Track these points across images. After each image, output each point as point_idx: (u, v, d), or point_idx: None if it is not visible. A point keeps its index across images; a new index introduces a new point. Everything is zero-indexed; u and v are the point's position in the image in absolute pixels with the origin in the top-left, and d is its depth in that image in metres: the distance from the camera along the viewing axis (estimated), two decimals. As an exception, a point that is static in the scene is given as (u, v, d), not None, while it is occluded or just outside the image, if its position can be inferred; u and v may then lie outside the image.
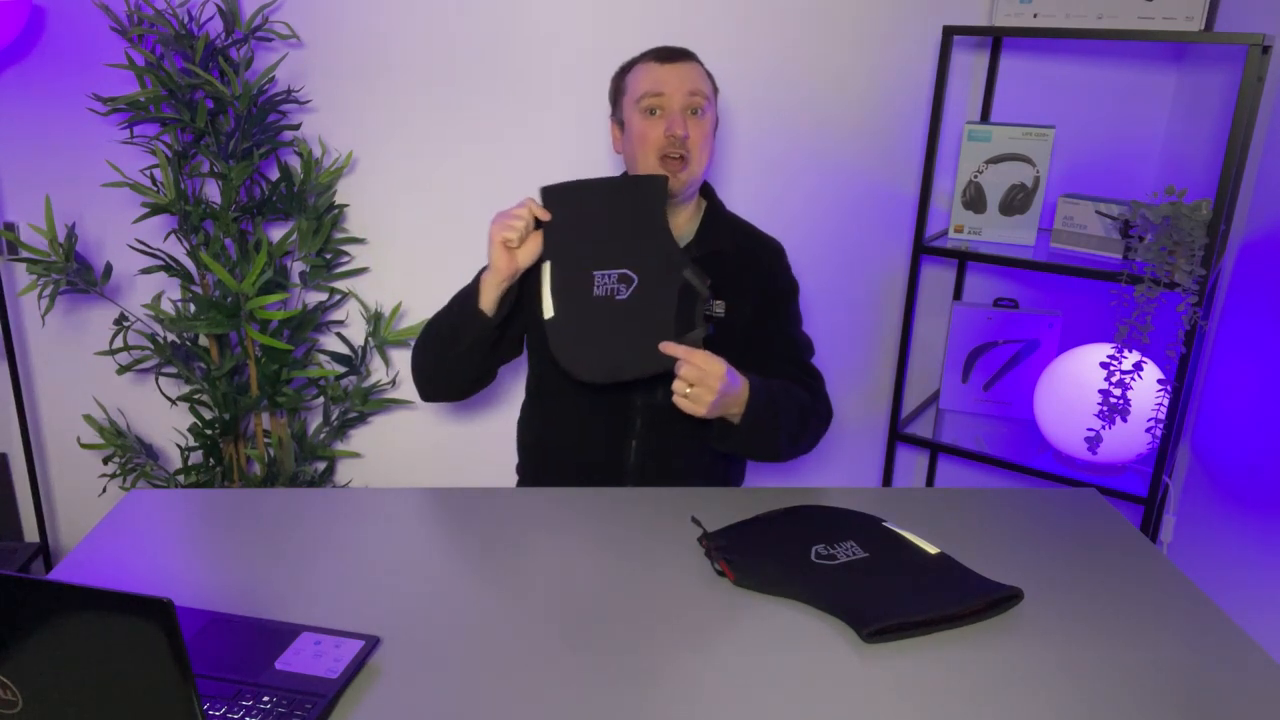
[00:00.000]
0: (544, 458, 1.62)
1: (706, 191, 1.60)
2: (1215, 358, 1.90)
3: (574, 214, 1.38)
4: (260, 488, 2.07)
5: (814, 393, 1.53)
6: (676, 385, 1.32)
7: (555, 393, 1.57)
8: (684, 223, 1.55)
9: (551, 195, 1.38)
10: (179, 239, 2.09)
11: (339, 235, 2.20)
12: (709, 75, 1.52)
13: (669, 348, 1.33)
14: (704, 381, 1.31)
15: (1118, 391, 1.77)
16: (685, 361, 1.31)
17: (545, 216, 1.39)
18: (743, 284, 1.53)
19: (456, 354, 1.47)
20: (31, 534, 2.44)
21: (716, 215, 1.57)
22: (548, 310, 1.39)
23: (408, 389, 2.32)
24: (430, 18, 2.08)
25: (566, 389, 1.54)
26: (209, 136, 1.98)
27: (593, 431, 1.54)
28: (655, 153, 1.45)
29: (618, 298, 1.37)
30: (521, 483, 1.69)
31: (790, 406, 1.45)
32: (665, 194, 1.39)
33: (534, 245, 1.40)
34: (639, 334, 1.37)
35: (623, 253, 1.37)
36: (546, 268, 1.39)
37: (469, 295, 1.46)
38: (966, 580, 1.15)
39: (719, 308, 1.51)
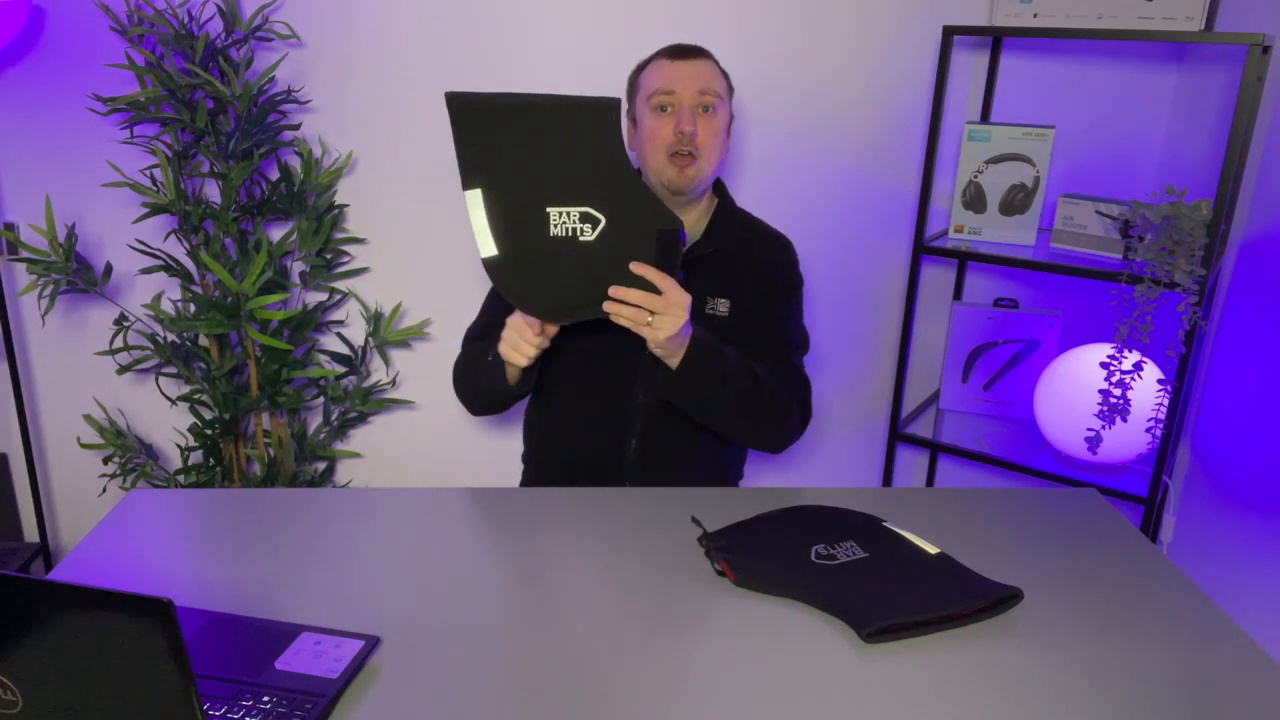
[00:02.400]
0: (546, 455, 1.62)
1: (718, 189, 1.60)
2: (1215, 358, 1.90)
3: (506, 135, 1.21)
4: (260, 488, 2.07)
5: (788, 385, 1.52)
6: (632, 312, 1.28)
7: (556, 391, 1.57)
8: (695, 220, 1.55)
9: (468, 107, 1.20)
10: (179, 239, 2.09)
11: (339, 235, 2.20)
12: (724, 74, 1.53)
13: (640, 268, 1.27)
14: (669, 310, 1.29)
15: (1118, 391, 1.77)
16: (657, 286, 1.28)
17: (551, 333, 1.35)
18: (747, 280, 1.54)
19: (496, 401, 1.54)
20: (31, 534, 2.44)
21: (726, 212, 1.57)
22: (486, 248, 1.27)
23: (408, 389, 2.32)
24: (430, 18, 2.08)
25: (567, 388, 1.54)
26: (209, 136, 1.98)
27: (593, 429, 1.54)
28: (664, 149, 1.45)
29: (581, 238, 1.26)
30: (525, 477, 1.69)
31: (738, 370, 1.43)
32: (619, 119, 1.23)
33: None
34: (609, 277, 1.28)
35: (582, 188, 1.23)
36: (477, 197, 1.24)
37: (492, 367, 1.45)
38: (966, 580, 1.15)
39: (723, 305, 1.51)
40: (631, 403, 1.52)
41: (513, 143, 1.22)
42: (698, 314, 1.50)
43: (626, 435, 1.53)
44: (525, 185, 1.24)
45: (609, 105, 1.20)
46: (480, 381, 1.51)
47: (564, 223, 1.25)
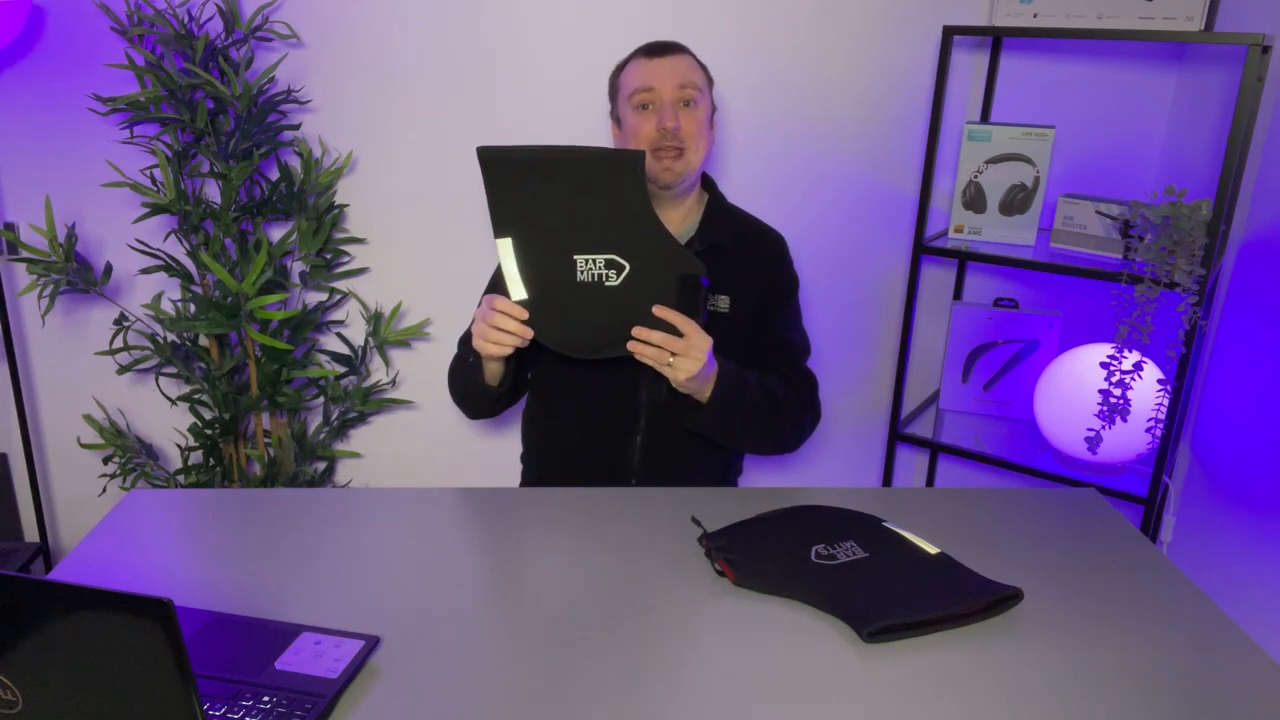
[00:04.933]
0: (548, 455, 1.62)
1: (707, 183, 1.60)
2: (1215, 358, 1.90)
3: (534, 187, 1.27)
4: (260, 488, 2.07)
5: (799, 393, 1.54)
6: (655, 352, 1.30)
7: (558, 392, 1.57)
8: (685, 215, 1.55)
9: (498, 162, 1.26)
10: (179, 239, 2.09)
11: (339, 235, 2.20)
12: (702, 66, 1.53)
13: (663, 311, 1.30)
14: (689, 353, 1.31)
15: (1118, 391, 1.77)
16: (679, 329, 1.30)
17: (528, 335, 1.34)
18: (746, 278, 1.54)
19: (482, 403, 1.54)
20: (31, 534, 2.44)
21: (718, 208, 1.57)
22: (517, 292, 1.33)
23: (408, 389, 2.32)
24: (430, 18, 2.08)
25: (569, 388, 1.54)
26: (209, 136, 1.98)
27: (596, 430, 1.54)
28: (649, 147, 1.46)
29: (607, 284, 1.31)
30: (525, 477, 1.69)
31: (760, 397, 1.46)
32: (643, 170, 1.27)
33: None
34: (633, 320, 1.32)
35: (608, 237, 1.29)
36: (508, 245, 1.30)
37: (473, 369, 1.47)
38: (966, 580, 1.15)
39: (723, 302, 1.51)
40: (635, 402, 1.52)
41: (540, 194, 1.27)
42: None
43: (631, 434, 1.53)
44: (553, 234, 1.29)
45: (633, 159, 1.24)
46: (466, 383, 1.51)
47: (590, 269, 1.30)
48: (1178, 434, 1.93)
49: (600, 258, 1.30)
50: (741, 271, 1.54)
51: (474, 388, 1.49)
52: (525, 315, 1.34)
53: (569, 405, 1.56)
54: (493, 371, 1.45)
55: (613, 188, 1.26)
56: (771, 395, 1.48)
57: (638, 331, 1.31)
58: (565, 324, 1.34)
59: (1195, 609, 1.15)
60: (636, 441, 1.53)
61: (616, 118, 1.55)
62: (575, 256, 1.30)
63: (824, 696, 0.97)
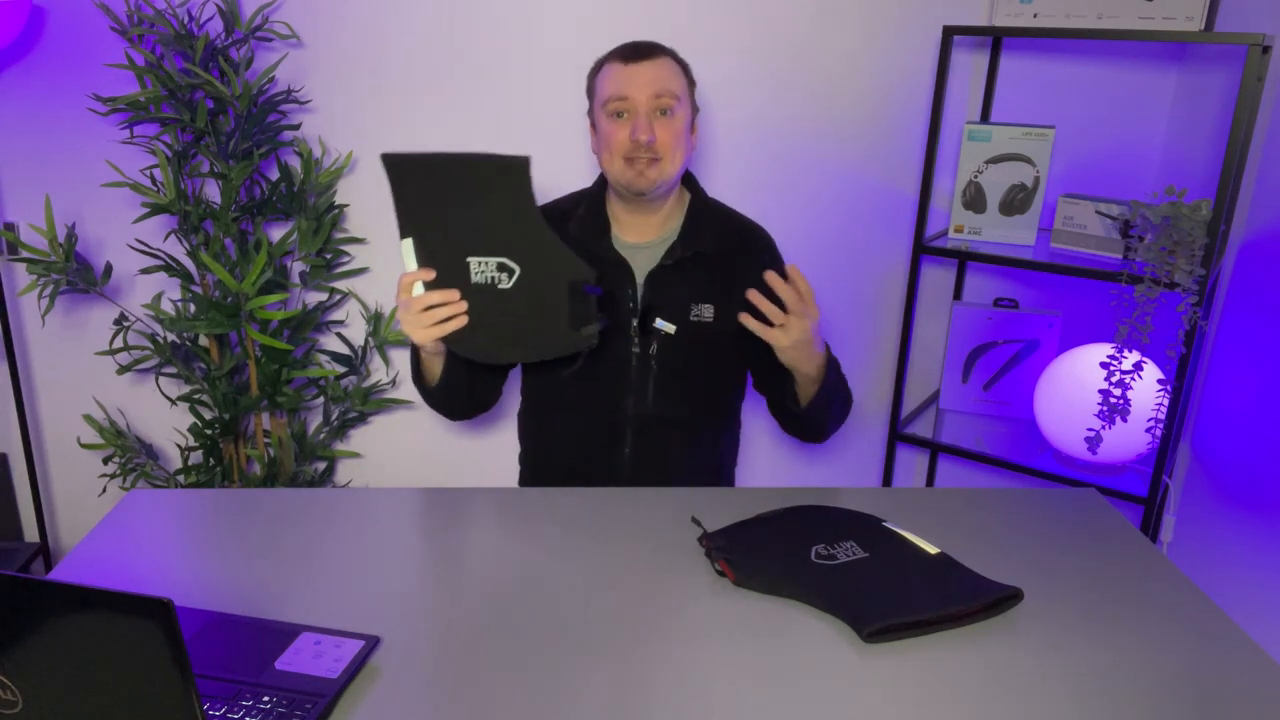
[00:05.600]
0: (540, 464, 1.62)
1: (688, 180, 1.56)
2: (1215, 358, 1.90)
3: (433, 190, 1.30)
4: (260, 488, 2.07)
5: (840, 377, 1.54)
6: (769, 320, 1.32)
7: (548, 402, 1.56)
8: (665, 218, 1.52)
9: (400, 165, 1.30)
10: (179, 239, 2.09)
11: (339, 235, 2.20)
12: (683, 68, 1.47)
13: (772, 278, 1.30)
14: (808, 312, 1.31)
15: (1118, 391, 1.77)
16: (790, 289, 1.30)
17: (455, 298, 1.33)
18: (733, 284, 1.50)
19: (444, 403, 1.53)
20: (31, 534, 2.44)
21: (702, 208, 1.53)
22: (416, 291, 1.34)
23: (408, 389, 2.32)
24: (430, 18, 2.08)
25: (559, 398, 1.53)
26: (209, 136, 1.98)
27: (585, 440, 1.54)
28: (621, 156, 1.42)
29: (499, 286, 1.33)
30: (522, 476, 1.68)
31: (843, 378, 1.50)
32: (530, 176, 1.28)
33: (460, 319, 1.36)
34: (530, 322, 1.34)
35: (498, 240, 1.31)
36: (408, 245, 1.33)
37: (416, 369, 1.48)
38: (966, 580, 1.15)
39: (707, 312, 1.50)
40: (623, 414, 1.51)
41: (437, 197, 1.31)
42: (681, 320, 1.49)
43: (619, 446, 1.52)
44: (449, 236, 1.32)
45: (520, 163, 1.28)
46: (427, 392, 1.51)
47: (483, 271, 1.33)
48: (1178, 434, 1.93)
49: (492, 260, 1.32)
50: (727, 277, 1.50)
51: (423, 385, 1.50)
52: (455, 294, 1.33)
53: (558, 417, 1.55)
54: (430, 368, 1.45)
55: (502, 191, 1.29)
56: (841, 374, 1.51)
57: (750, 295, 1.32)
58: (465, 326, 1.34)
59: (1195, 609, 1.15)
60: (625, 453, 1.52)
61: (592, 120, 1.50)
62: (469, 259, 1.32)
63: (824, 696, 0.97)
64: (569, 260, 1.32)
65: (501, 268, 1.32)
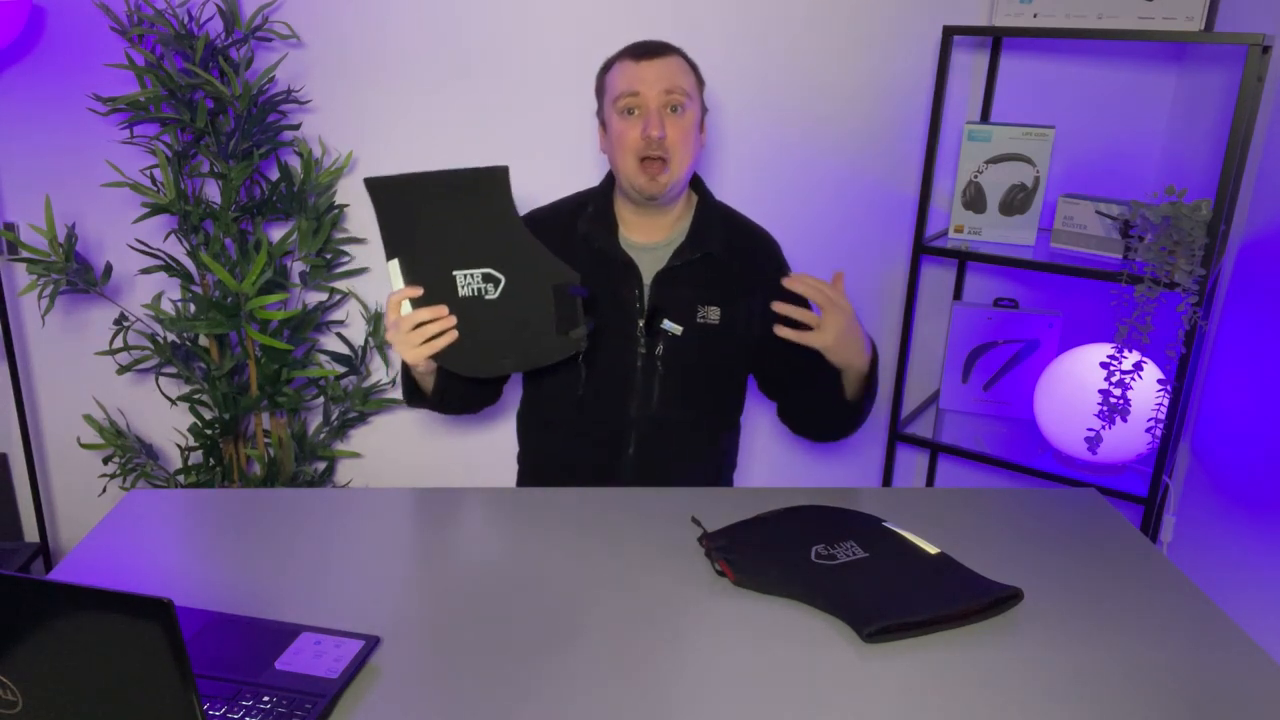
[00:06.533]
0: (540, 467, 1.62)
1: (695, 183, 1.56)
2: (1215, 358, 1.90)
3: (415, 209, 1.32)
4: (260, 488, 2.07)
5: None
6: (800, 321, 1.31)
7: (549, 406, 1.56)
8: (674, 220, 1.52)
9: (382, 188, 1.31)
10: (179, 239, 2.09)
11: (339, 235, 2.20)
12: (693, 68, 1.47)
13: (791, 282, 1.29)
14: (839, 305, 1.31)
15: (1118, 391, 1.77)
16: (817, 289, 1.30)
17: (445, 314, 1.33)
18: (740, 286, 1.51)
19: (441, 409, 1.53)
20: (31, 534, 2.44)
21: (708, 210, 1.53)
22: (405, 309, 1.35)
23: (408, 389, 2.32)
24: (430, 18, 2.08)
25: (560, 404, 1.53)
26: (209, 136, 1.98)
27: (587, 444, 1.53)
28: (634, 154, 1.42)
29: (486, 297, 1.34)
30: (520, 476, 1.68)
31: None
32: (508, 185, 1.30)
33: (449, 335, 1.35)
34: (519, 331, 1.35)
35: (482, 251, 1.32)
36: (394, 266, 1.34)
37: (410, 384, 1.48)
38: (966, 580, 1.15)
39: (713, 314, 1.51)
40: (627, 415, 1.51)
41: (420, 215, 1.32)
42: (687, 321, 1.49)
43: (621, 447, 1.52)
44: (434, 252, 1.33)
45: (499, 173, 1.29)
46: (424, 401, 1.51)
47: (470, 283, 1.33)
48: (1178, 434, 1.93)
49: (478, 271, 1.33)
50: (734, 280, 1.51)
51: (416, 397, 1.50)
52: (443, 309, 1.33)
53: (560, 417, 1.55)
54: (424, 382, 1.45)
55: (483, 201, 1.30)
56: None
57: (777, 306, 1.31)
58: (455, 341, 1.35)
59: (1195, 609, 1.15)
60: (627, 454, 1.52)
61: (602, 120, 1.50)
62: (455, 272, 1.33)
63: (824, 696, 0.97)
64: (553, 264, 1.32)
65: (487, 278, 1.33)
